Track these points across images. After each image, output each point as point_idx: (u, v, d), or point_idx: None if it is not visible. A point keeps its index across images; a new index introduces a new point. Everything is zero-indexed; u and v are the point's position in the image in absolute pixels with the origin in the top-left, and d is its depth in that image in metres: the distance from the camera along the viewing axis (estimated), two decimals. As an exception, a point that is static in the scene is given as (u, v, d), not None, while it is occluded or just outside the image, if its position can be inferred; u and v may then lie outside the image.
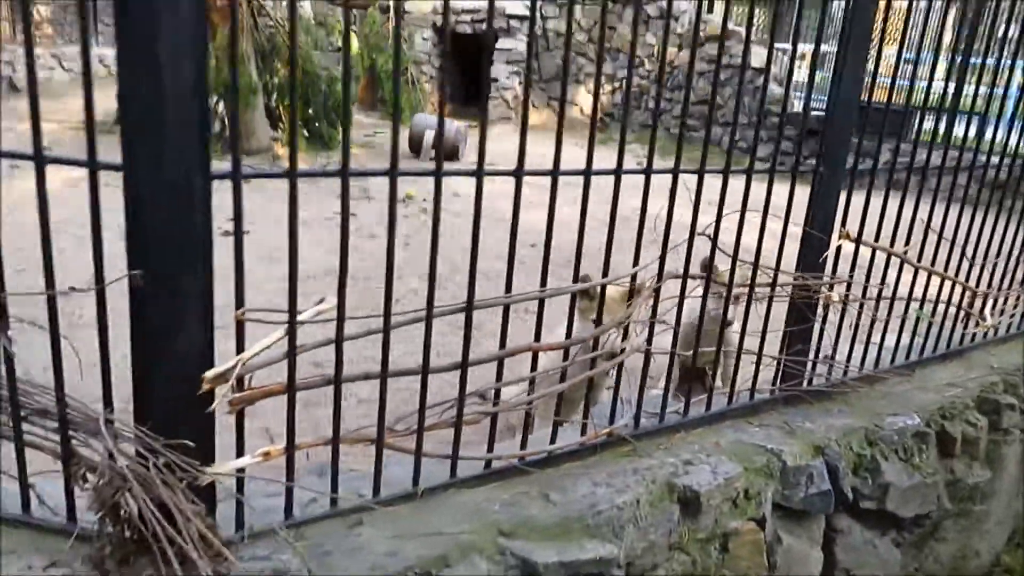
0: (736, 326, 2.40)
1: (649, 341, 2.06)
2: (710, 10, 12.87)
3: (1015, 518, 3.16)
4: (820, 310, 2.44)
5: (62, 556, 1.46)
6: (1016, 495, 3.09)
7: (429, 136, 8.62)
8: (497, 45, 11.92)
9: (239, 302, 1.42)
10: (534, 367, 1.89)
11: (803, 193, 2.18)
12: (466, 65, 12.71)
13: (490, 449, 1.88)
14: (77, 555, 1.46)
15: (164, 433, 1.36)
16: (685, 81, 1.94)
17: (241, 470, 1.49)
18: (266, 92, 8.28)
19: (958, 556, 2.83)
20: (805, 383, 2.50)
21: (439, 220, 1.56)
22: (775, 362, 2.46)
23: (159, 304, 1.33)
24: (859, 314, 2.59)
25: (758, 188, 2.11)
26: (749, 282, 2.22)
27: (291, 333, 1.48)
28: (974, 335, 3.15)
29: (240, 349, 1.44)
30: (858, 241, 2.46)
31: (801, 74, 10.74)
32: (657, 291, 2.03)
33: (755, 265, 2.23)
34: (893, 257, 2.59)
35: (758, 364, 2.38)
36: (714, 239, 2.09)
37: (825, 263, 2.39)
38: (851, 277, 2.50)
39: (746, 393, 2.40)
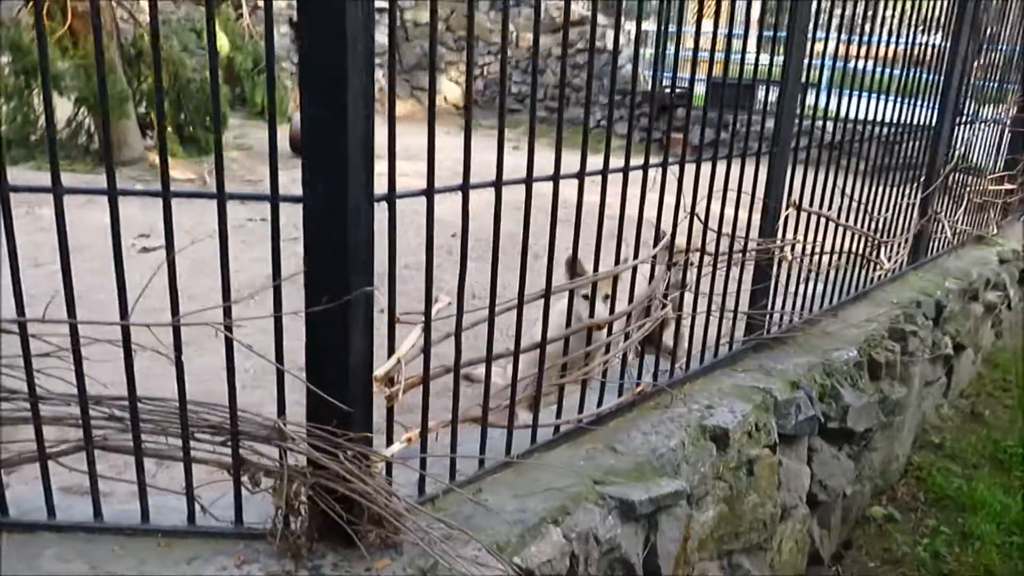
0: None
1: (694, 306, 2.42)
2: (562, -4, 13.42)
3: (918, 425, 3.82)
4: (775, 269, 2.90)
5: (245, 555, 1.61)
6: (918, 406, 3.74)
7: (311, 134, 8.56)
8: (357, 37, 11.87)
9: (391, 309, 1.63)
10: (590, 340, 2.19)
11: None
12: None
13: (558, 416, 2.17)
14: (255, 552, 1.62)
15: (343, 427, 1.55)
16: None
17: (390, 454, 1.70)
18: (135, 99, 7.93)
19: (885, 461, 3.41)
20: (766, 332, 2.96)
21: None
22: (743, 317, 2.90)
23: (337, 313, 1.51)
24: (800, 268, 3.08)
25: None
26: (721, 249, 2.61)
27: (427, 331, 1.70)
28: (873, 278, 3.76)
29: (391, 349, 1.64)
30: (799, 208, 2.94)
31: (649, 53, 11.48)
32: (670, 266, 2.39)
33: (732, 235, 2.64)
34: (810, 218, 3.09)
35: (735, 319, 2.80)
36: (705, 220, 2.46)
37: (778, 229, 2.84)
38: (794, 239, 2.98)
39: (725, 346, 2.81)
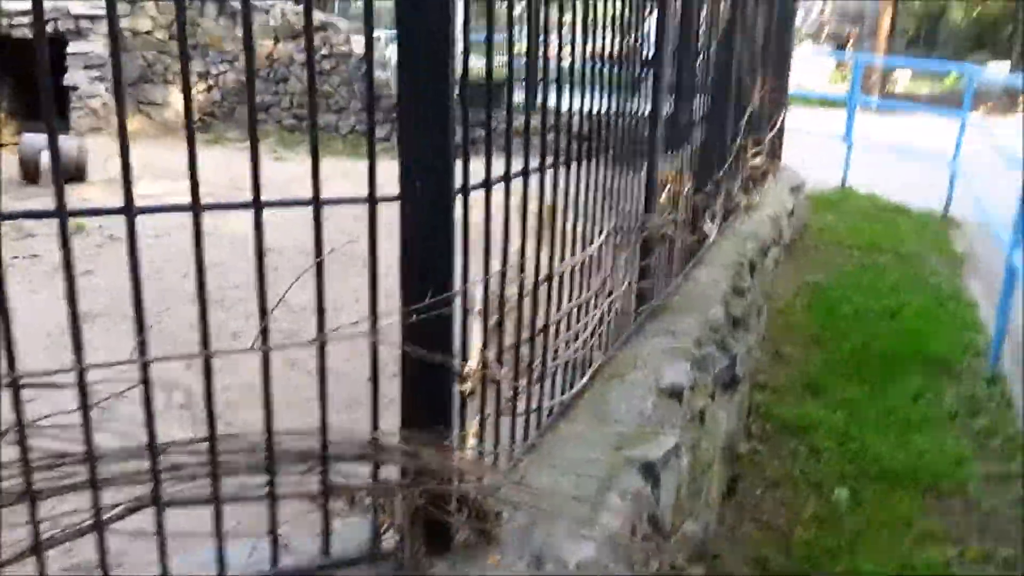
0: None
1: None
2: (297, 2, 13.04)
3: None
4: (662, 243, 3.21)
5: (350, 583, 1.51)
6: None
7: (46, 158, 7.50)
8: (69, 49, 10.54)
9: (465, 304, 1.61)
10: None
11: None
12: (27, 75, 10.97)
13: (552, 397, 2.25)
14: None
15: (445, 426, 1.53)
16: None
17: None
18: None
19: (740, 402, 3.92)
20: (655, 300, 3.27)
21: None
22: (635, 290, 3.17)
23: (434, 319, 1.48)
24: (668, 242, 3.44)
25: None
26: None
27: (484, 323, 1.71)
28: (699, 244, 4.26)
29: (465, 348, 1.64)
30: (673, 187, 3.29)
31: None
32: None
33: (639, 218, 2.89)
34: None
35: (639, 293, 3.06)
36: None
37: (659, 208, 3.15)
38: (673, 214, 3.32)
39: (630, 317, 3.06)
